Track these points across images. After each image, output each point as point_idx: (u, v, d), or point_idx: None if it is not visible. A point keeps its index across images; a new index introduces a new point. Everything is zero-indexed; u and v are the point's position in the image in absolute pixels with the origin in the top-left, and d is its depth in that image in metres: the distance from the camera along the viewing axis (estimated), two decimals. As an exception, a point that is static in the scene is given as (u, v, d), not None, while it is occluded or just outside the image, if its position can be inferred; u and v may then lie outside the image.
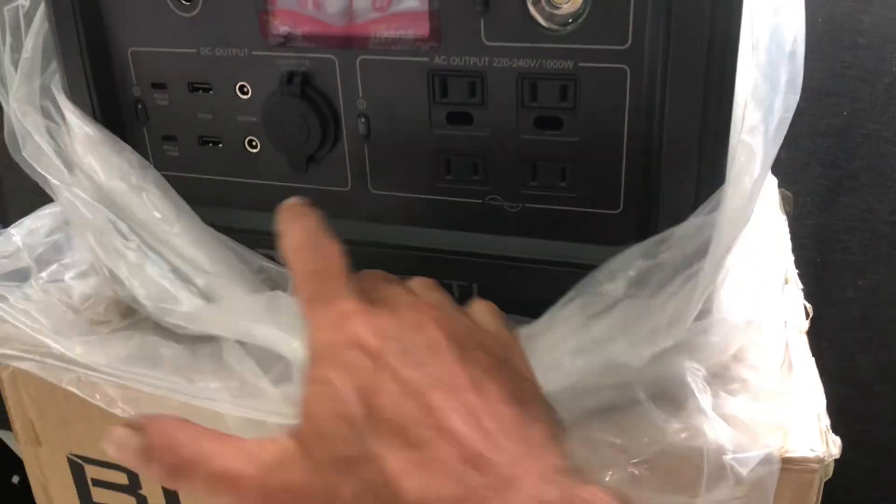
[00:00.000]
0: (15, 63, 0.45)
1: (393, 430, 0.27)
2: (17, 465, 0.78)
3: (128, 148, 0.45)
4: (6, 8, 0.44)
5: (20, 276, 0.52)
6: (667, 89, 0.36)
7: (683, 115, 0.36)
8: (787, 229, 0.58)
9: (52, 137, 0.46)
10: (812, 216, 0.75)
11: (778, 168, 0.73)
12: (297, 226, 0.34)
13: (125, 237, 0.45)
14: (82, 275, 0.52)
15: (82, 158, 0.45)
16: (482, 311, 0.34)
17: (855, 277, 0.76)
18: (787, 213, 0.62)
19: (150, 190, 0.45)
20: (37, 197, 0.56)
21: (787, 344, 0.42)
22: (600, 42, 0.36)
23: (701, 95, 0.35)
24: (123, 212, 0.45)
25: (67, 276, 0.52)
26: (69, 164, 0.46)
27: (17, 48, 0.45)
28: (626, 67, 0.36)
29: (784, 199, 0.64)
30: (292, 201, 0.35)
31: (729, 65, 0.35)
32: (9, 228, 0.55)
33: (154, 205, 0.45)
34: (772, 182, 0.66)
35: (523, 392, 0.30)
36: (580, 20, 0.36)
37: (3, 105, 0.45)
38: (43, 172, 0.46)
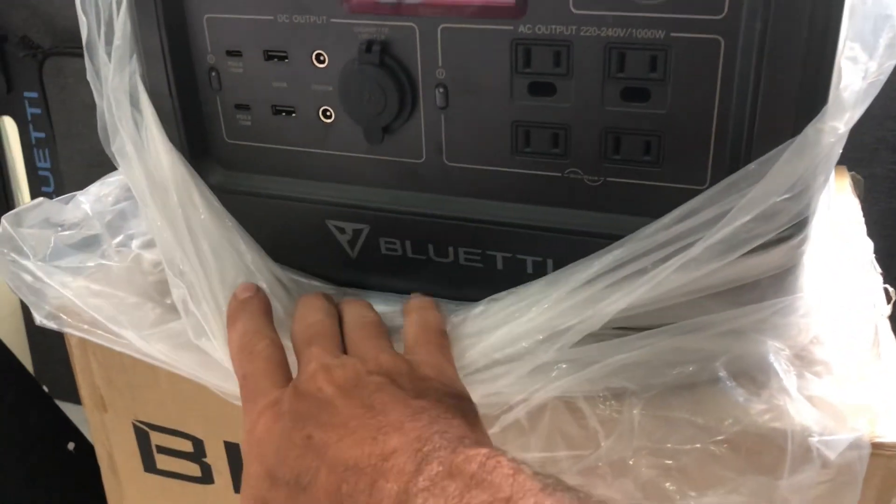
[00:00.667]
0: (109, 54, 0.44)
1: (289, 489, 0.33)
2: (73, 431, 0.79)
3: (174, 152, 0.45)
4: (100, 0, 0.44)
5: (86, 244, 0.52)
6: (763, 63, 0.35)
7: (780, 92, 0.35)
8: (860, 213, 0.56)
9: (138, 130, 0.46)
10: (880, 202, 0.73)
11: (847, 152, 0.71)
12: (236, 326, 0.41)
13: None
14: (150, 243, 0.52)
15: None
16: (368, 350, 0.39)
17: (921, 265, 0.74)
18: (859, 197, 0.61)
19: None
20: (94, 169, 0.56)
21: (876, 327, 0.41)
22: (694, 11, 0.35)
23: (800, 73, 0.34)
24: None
25: (135, 244, 0.52)
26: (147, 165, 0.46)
27: (110, 39, 0.45)
28: (720, 38, 0.35)
29: (855, 182, 0.62)
30: (238, 293, 0.43)
31: (831, 40, 0.34)
32: (77, 195, 0.55)
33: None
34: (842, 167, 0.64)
35: (420, 391, 0.35)
36: (674, -12, 0.35)
37: (98, 98, 0.45)
38: (125, 170, 0.46)
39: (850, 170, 0.64)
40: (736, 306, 0.37)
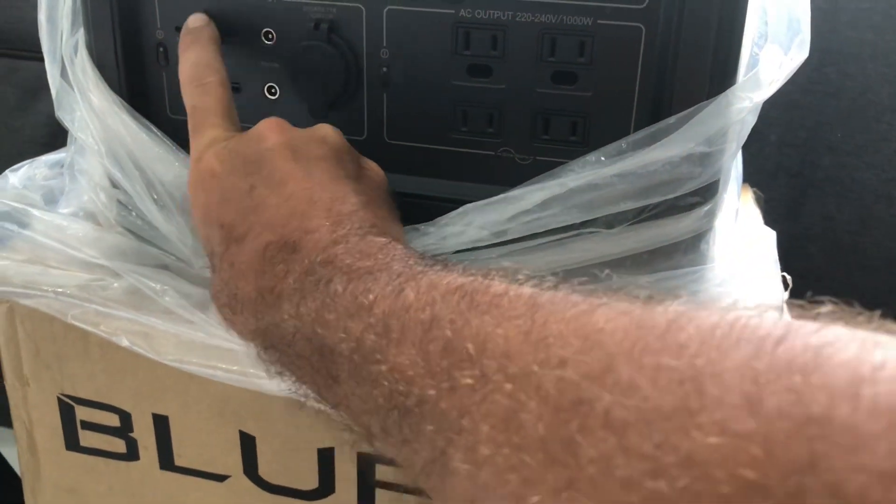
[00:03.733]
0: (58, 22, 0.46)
1: (224, 232, 0.37)
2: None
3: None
4: None
5: (17, 218, 0.52)
6: (679, 49, 0.38)
7: (693, 75, 0.39)
8: (762, 220, 0.61)
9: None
10: (778, 223, 0.79)
11: (749, 175, 0.77)
12: (187, 55, 0.43)
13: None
14: (80, 218, 0.52)
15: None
16: (322, 126, 0.41)
17: (815, 284, 0.80)
18: (760, 210, 0.66)
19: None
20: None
21: (784, 307, 0.44)
22: (618, 1, 0.39)
23: (711, 55, 0.38)
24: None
25: (66, 218, 0.52)
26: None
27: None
28: (641, 26, 0.39)
29: (757, 197, 0.68)
30: (189, 23, 0.44)
31: (738, 29, 0.38)
32: (6, 171, 0.55)
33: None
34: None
35: (358, 176, 0.40)
36: (601, -20, 0.39)
37: (49, 62, 0.46)
38: (77, 134, 0.47)
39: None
40: (651, 272, 0.41)
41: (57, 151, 0.57)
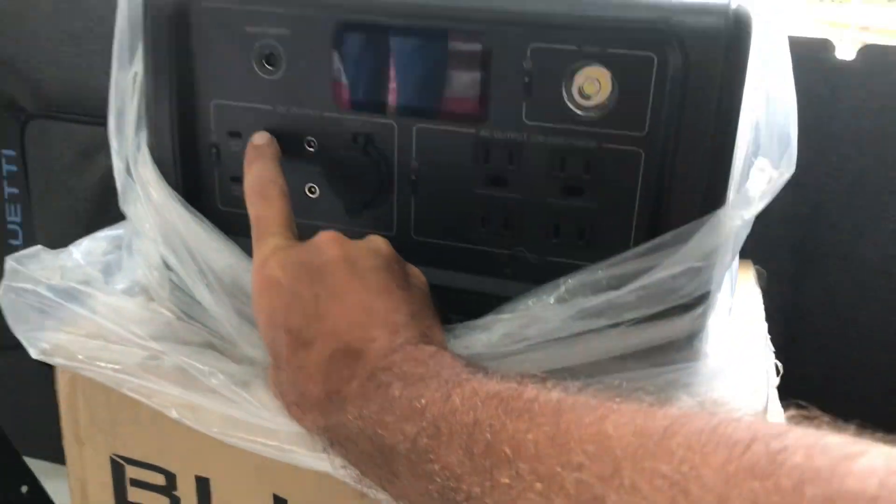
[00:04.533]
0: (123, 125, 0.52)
1: (291, 337, 0.42)
2: (27, 475, 0.82)
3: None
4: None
5: (79, 297, 0.57)
6: (675, 171, 0.43)
7: (687, 193, 0.44)
8: (761, 300, 0.65)
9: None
10: (781, 295, 0.83)
11: (752, 248, 0.81)
12: (252, 169, 0.48)
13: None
14: (135, 292, 0.57)
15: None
16: (374, 238, 0.46)
17: (816, 355, 0.84)
18: (761, 288, 0.70)
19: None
20: (70, 227, 0.61)
21: (768, 396, 0.49)
22: (622, 128, 0.44)
23: (704, 179, 0.43)
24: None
25: (122, 298, 0.57)
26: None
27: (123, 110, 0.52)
28: (641, 150, 0.44)
29: (759, 274, 0.72)
30: (255, 140, 0.49)
31: (727, 155, 0.43)
32: (70, 246, 0.60)
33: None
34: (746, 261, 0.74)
35: (405, 284, 0.44)
36: (606, 109, 0.44)
37: (116, 161, 0.52)
38: (137, 224, 0.53)
39: (755, 264, 0.74)
40: (650, 367, 0.45)
41: (114, 227, 0.63)
